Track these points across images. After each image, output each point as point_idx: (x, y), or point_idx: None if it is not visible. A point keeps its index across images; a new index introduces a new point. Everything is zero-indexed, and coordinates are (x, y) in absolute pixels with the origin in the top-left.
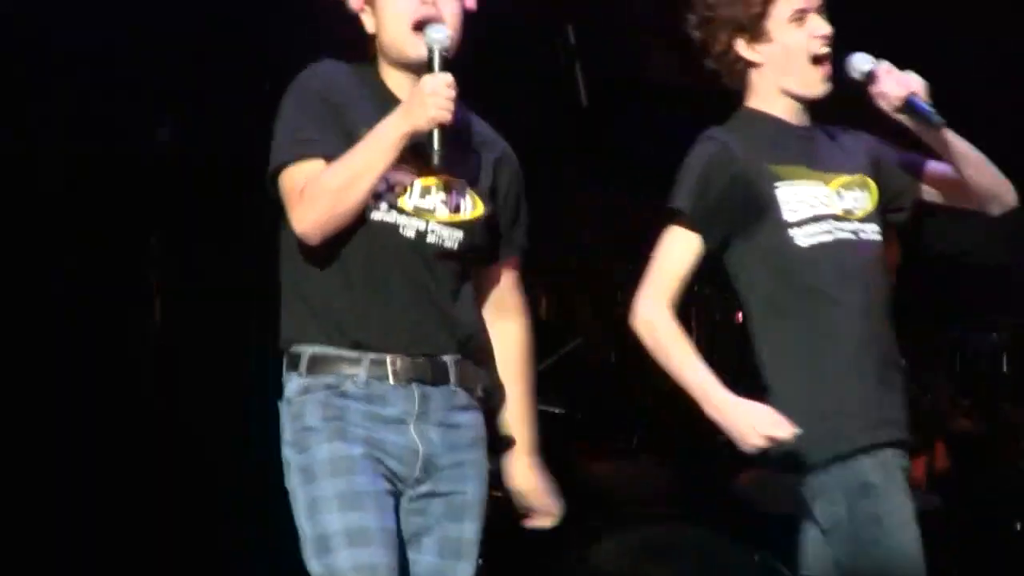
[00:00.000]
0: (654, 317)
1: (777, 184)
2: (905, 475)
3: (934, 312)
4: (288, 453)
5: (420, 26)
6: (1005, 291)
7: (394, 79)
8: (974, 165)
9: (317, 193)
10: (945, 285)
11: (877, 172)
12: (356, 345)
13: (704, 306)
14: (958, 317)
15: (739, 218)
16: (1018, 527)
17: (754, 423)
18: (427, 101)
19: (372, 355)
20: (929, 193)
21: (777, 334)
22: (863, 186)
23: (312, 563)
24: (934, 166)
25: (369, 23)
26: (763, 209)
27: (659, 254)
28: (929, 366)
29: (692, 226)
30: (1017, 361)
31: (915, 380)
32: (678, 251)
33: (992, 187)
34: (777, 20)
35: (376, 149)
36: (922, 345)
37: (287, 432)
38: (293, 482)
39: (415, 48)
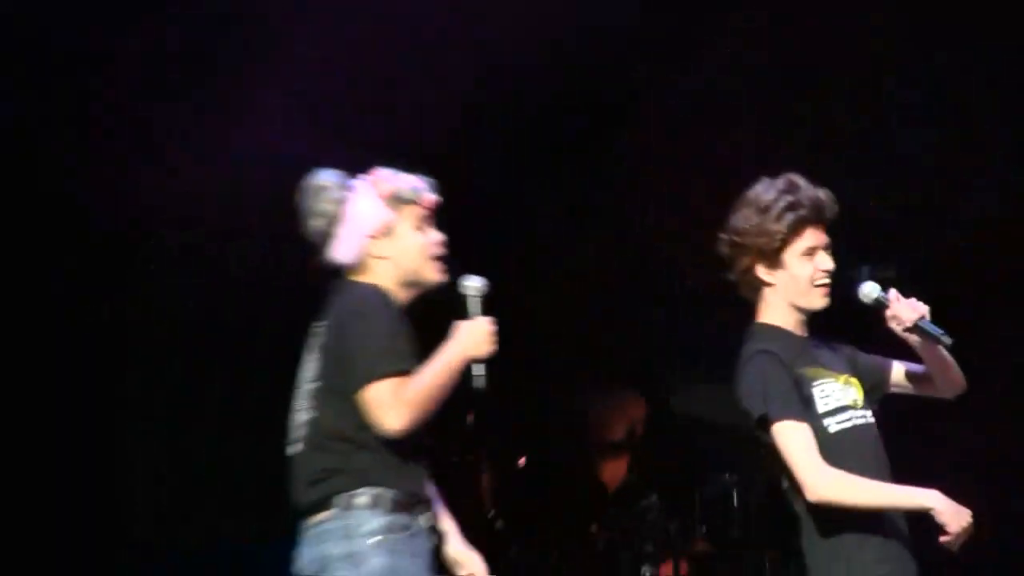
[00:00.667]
0: (831, 474)
1: (814, 383)
2: None
3: (680, 460)
4: None
5: (436, 259)
6: (735, 445)
7: (401, 296)
8: (951, 368)
9: (417, 401)
10: (689, 441)
11: (856, 371)
12: None
13: None
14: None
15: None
16: None
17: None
18: (488, 340)
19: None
20: (896, 387)
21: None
22: (853, 382)
23: None
24: (901, 366)
25: (382, 248)
26: (807, 403)
27: (792, 449)
28: (675, 501)
29: (797, 418)
30: (742, 499)
31: (667, 512)
32: (803, 437)
33: (956, 381)
34: (792, 253)
35: (450, 372)
36: (670, 486)
37: None
38: None
39: (432, 274)
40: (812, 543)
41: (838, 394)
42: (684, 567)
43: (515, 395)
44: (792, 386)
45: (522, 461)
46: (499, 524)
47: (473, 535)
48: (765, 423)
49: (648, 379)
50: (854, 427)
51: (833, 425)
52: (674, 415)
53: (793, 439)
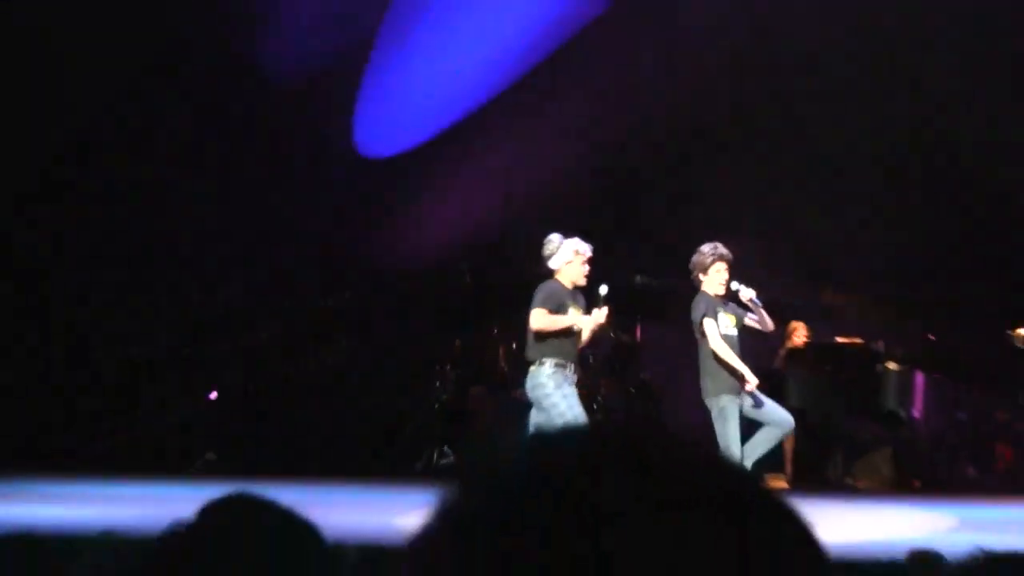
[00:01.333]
0: (719, 341)
1: (719, 314)
2: None
3: None
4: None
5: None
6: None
7: (567, 284)
8: (764, 318)
9: (547, 323)
10: None
11: (735, 313)
12: None
13: None
14: None
15: None
16: None
17: None
18: (602, 322)
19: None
20: (749, 323)
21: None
22: (732, 317)
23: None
24: (752, 316)
25: (561, 264)
26: (717, 320)
27: (707, 327)
28: None
29: (714, 320)
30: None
31: None
32: (712, 327)
33: (767, 325)
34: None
35: (569, 325)
36: None
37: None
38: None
39: (582, 281)
40: (706, 369)
41: (726, 320)
42: None
43: None
44: (714, 312)
45: None
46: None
47: None
48: (699, 324)
49: None
50: (728, 335)
51: (724, 329)
52: None
53: (710, 325)
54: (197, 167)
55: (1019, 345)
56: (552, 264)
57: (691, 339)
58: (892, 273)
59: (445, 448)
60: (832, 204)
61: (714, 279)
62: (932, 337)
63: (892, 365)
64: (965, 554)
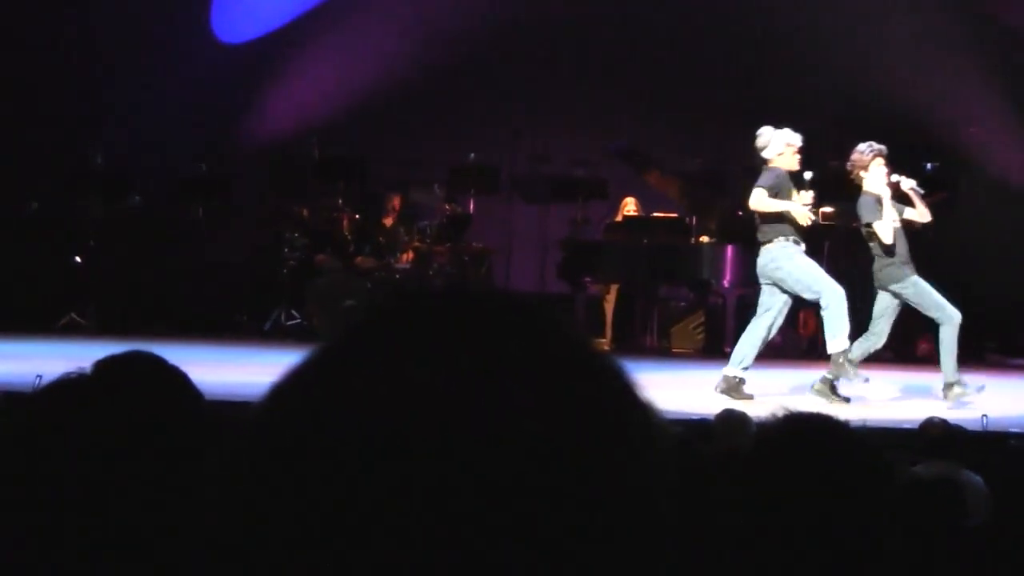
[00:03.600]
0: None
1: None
2: None
3: None
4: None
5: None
6: None
7: (787, 168)
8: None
9: (767, 204)
10: None
11: None
12: None
13: None
14: None
15: None
16: None
17: None
18: (808, 203)
19: None
20: None
21: None
22: None
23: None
24: None
25: (774, 154)
26: None
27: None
28: None
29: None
30: None
31: None
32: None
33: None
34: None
35: (783, 209)
36: None
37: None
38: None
39: (795, 168)
40: (883, 263)
41: (891, 214)
42: None
43: None
44: (878, 212)
45: None
46: None
47: None
48: (870, 225)
49: None
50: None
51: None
52: None
53: (881, 227)
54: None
55: (823, 222)
56: (766, 154)
57: (522, 211)
58: (705, 155)
59: (292, 311)
60: (642, 94)
61: (876, 175)
62: (741, 213)
63: (704, 238)
64: (768, 414)
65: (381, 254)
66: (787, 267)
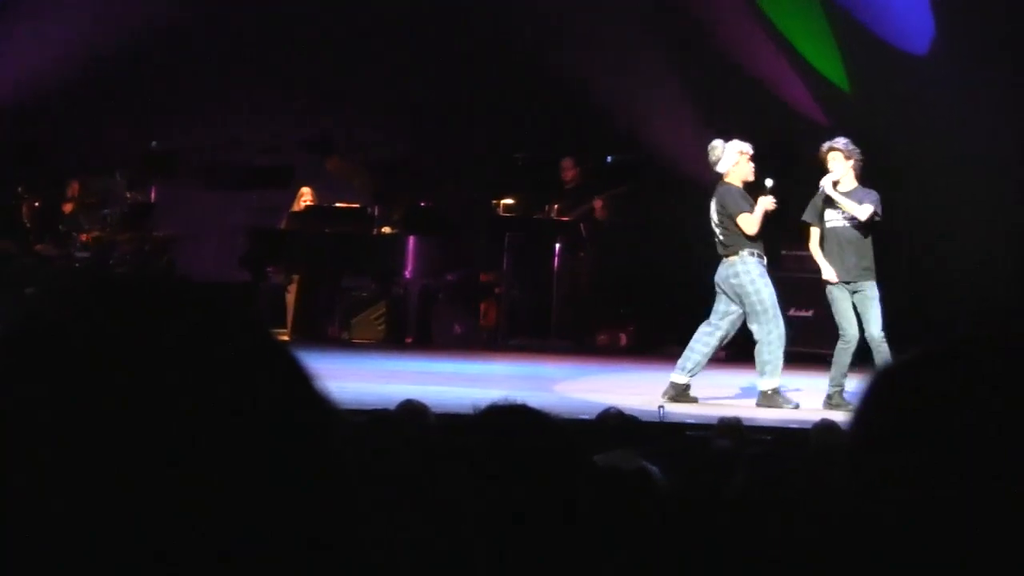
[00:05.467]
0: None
1: None
2: None
3: None
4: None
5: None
6: None
7: (739, 184)
8: None
9: (758, 224)
10: None
11: None
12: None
13: None
14: None
15: None
16: None
17: None
18: (771, 207)
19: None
20: None
21: None
22: None
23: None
24: None
25: (729, 166)
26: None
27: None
28: None
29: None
30: None
31: None
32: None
33: None
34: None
35: (761, 215)
36: None
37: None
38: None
39: (751, 178)
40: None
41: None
42: None
43: None
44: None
45: None
46: None
47: None
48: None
49: None
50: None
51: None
52: None
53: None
54: None
55: (502, 213)
56: (720, 168)
57: (206, 198)
58: (390, 145)
59: None
60: (338, 83)
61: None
62: (423, 204)
63: (387, 229)
64: (454, 403)
65: (62, 242)
66: (749, 286)
